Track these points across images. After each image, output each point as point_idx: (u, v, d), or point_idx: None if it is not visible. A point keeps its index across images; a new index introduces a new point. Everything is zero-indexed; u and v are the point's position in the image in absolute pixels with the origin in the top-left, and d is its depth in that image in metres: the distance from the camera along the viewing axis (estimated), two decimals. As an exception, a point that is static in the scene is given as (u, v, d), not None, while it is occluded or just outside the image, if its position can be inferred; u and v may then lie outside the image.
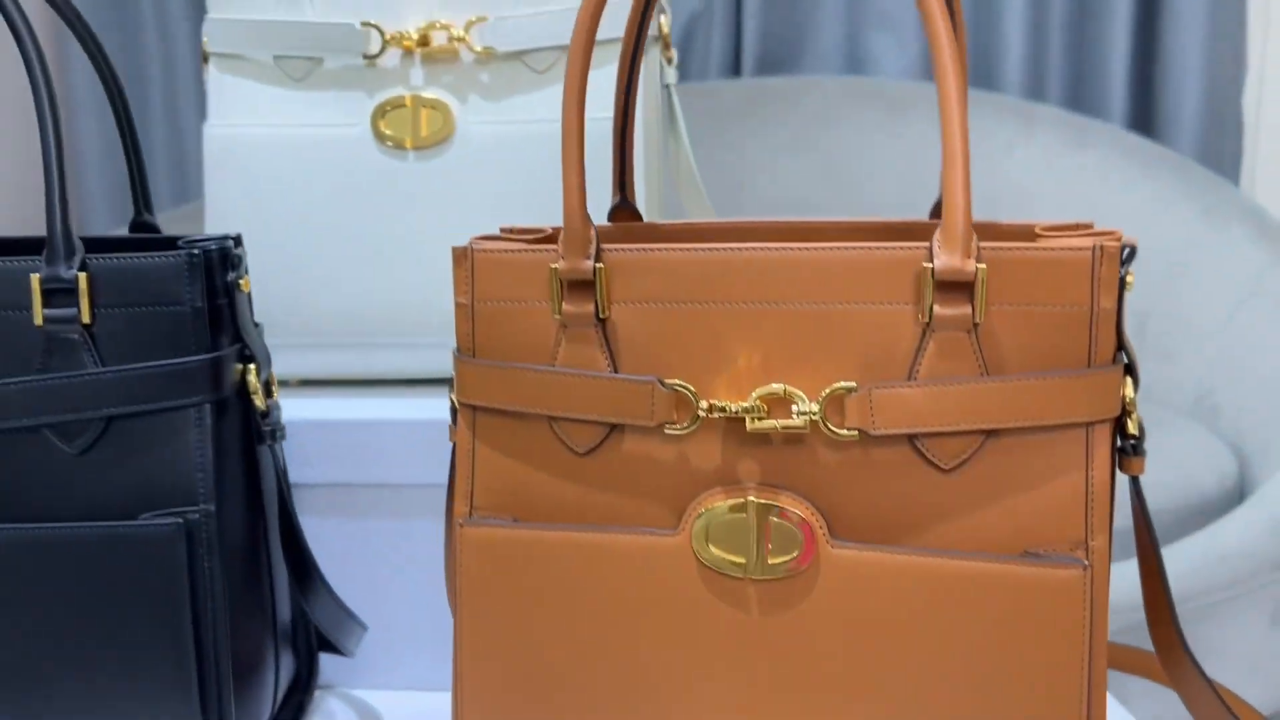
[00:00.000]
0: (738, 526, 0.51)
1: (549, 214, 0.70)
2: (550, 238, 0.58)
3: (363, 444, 0.72)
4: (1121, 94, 1.86)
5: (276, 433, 0.61)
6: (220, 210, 0.76)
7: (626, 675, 0.52)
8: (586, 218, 0.52)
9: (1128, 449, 0.50)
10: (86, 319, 0.57)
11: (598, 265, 0.52)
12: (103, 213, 2.15)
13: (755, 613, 0.51)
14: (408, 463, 0.72)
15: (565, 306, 0.52)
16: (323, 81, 0.76)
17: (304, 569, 0.63)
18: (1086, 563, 0.48)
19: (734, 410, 0.50)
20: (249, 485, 0.61)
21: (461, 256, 0.55)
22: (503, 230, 0.60)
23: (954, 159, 0.48)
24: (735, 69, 2.00)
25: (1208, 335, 1.54)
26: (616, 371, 0.52)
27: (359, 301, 0.75)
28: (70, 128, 2.12)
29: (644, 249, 0.52)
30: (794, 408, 0.50)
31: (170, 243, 0.60)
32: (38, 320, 0.56)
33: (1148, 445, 0.51)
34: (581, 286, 0.52)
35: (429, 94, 0.74)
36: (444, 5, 0.74)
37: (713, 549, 0.51)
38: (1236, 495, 1.36)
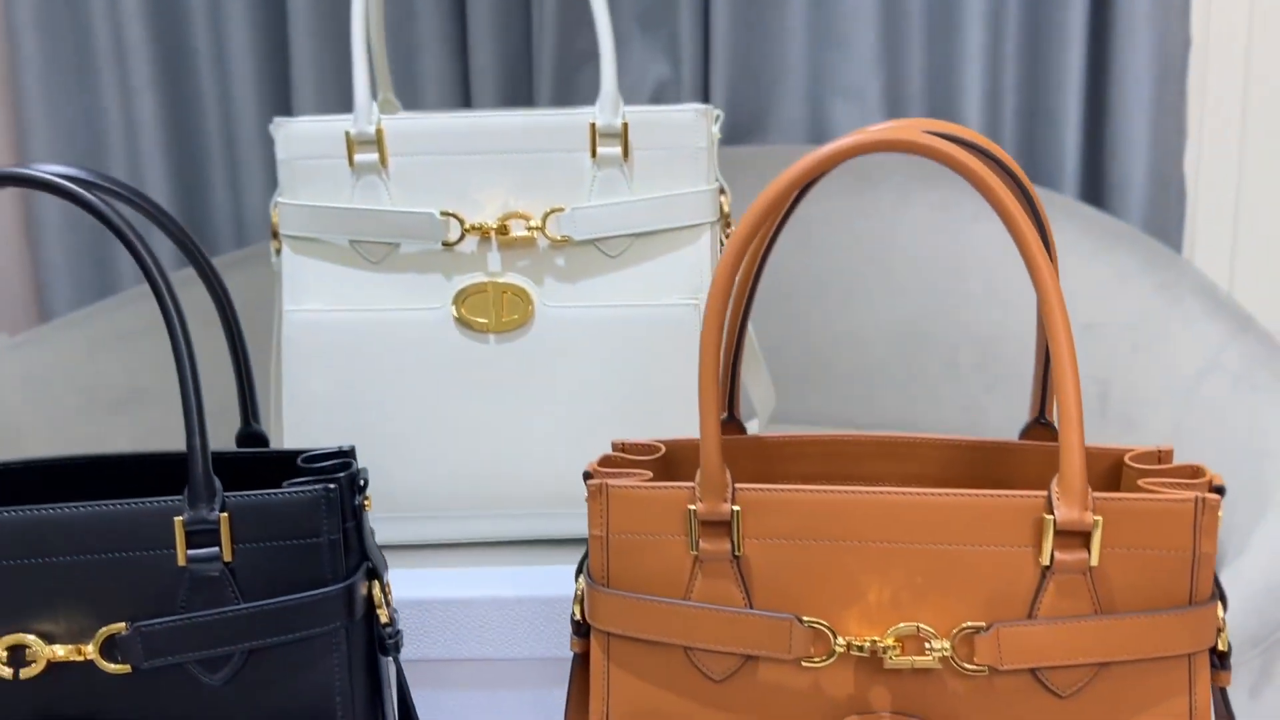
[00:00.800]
0: (876, 753, 0.55)
1: (624, 393, 0.74)
2: (665, 458, 0.61)
3: (456, 621, 0.74)
4: (1074, 165, 1.96)
5: (399, 643, 0.64)
6: (300, 391, 0.77)
7: None
8: (723, 464, 0.56)
9: (1219, 666, 0.56)
10: (228, 557, 0.59)
11: (735, 508, 0.56)
12: (65, 287, 2.12)
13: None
14: (497, 639, 0.74)
15: (702, 544, 0.56)
16: (400, 265, 0.78)
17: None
18: (1196, 781, 0.53)
19: (870, 647, 0.54)
20: (374, 695, 0.63)
21: (597, 491, 0.58)
22: (615, 445, 0.63)
23: (1070, 423, 0.52)
24: (704, 139, 2.04)
25: (1169, 406, 1.63)
26: (751, 606, 0.56)
27: (441, 477, 0.78)
28: (33, 198, 2.08)
29: (777, 489, 0.56)
30: (926, 645, 0.54)
31: (288, 458, 0.63)
32: (180, 561, 0.58)
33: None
34: (718, 525, 0.56)
35: (507, 279, 0.77)
36: (518, 194, 0.77)
37: (852, 776, 0.55)
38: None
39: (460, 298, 0.77)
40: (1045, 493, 0.53)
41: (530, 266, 0.78)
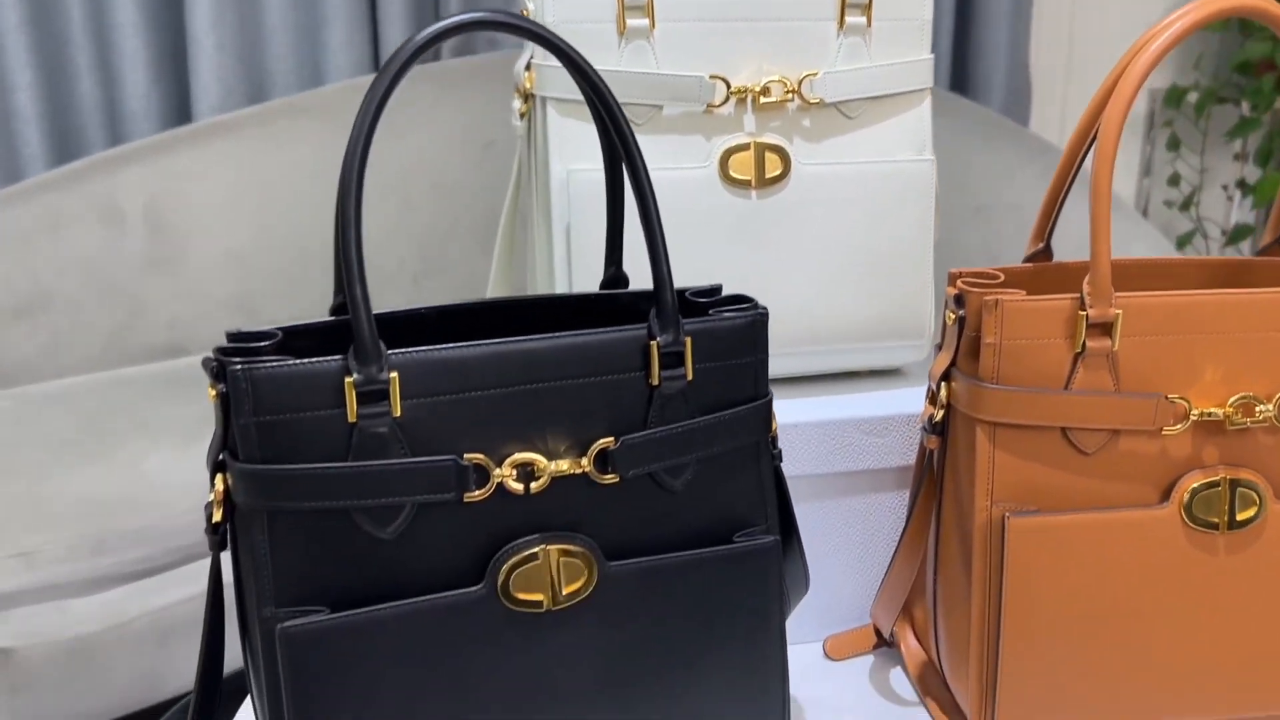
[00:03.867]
0: (1213, 498, 0.70)
1: (867, 239, 0.85)
2: (1006, 283, 0.73)
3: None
4: (945, 62, 2.18)
5: (779, 455, 0.72)
6: (586, 242, 0.82)
7: (1133, 611, 0.70)
8: (1110, 279, 0.68)
9: None
10: (690, 376, 0.65)
11: (1117, 312, 0.68)
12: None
13: (1224, 554, 0.70)
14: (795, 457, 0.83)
15: (1089, 343, 0.68)
16: (662, 126, 0.84)
17: (793, 540, 0.74)
18: None
19: (1215, 415, 0.69)
20: (777, 499, 0.71)
21: (992, 305, 0.69)
22: (952, 274, 0.74)
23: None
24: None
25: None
26: (1120, 389, 0.69)
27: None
28: None
29: (1144, 295, 0.69)
30: (1258, 408, 0.69)
31: (681, 297, 0.69)
32: (654, 380, 0.64)
33: None
34: (1101, 328, 0.68)
35: (766, 139, 0.84)
36: (771, 60, 0.84)
37: (1199, 514, 0.70)
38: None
39: (726, 157, 0.84)
40: (1332, 286, 0.69)
41: (782, 127, 0.85)
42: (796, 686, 0.83)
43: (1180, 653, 0.71)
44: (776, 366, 0.87)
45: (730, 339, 0.66)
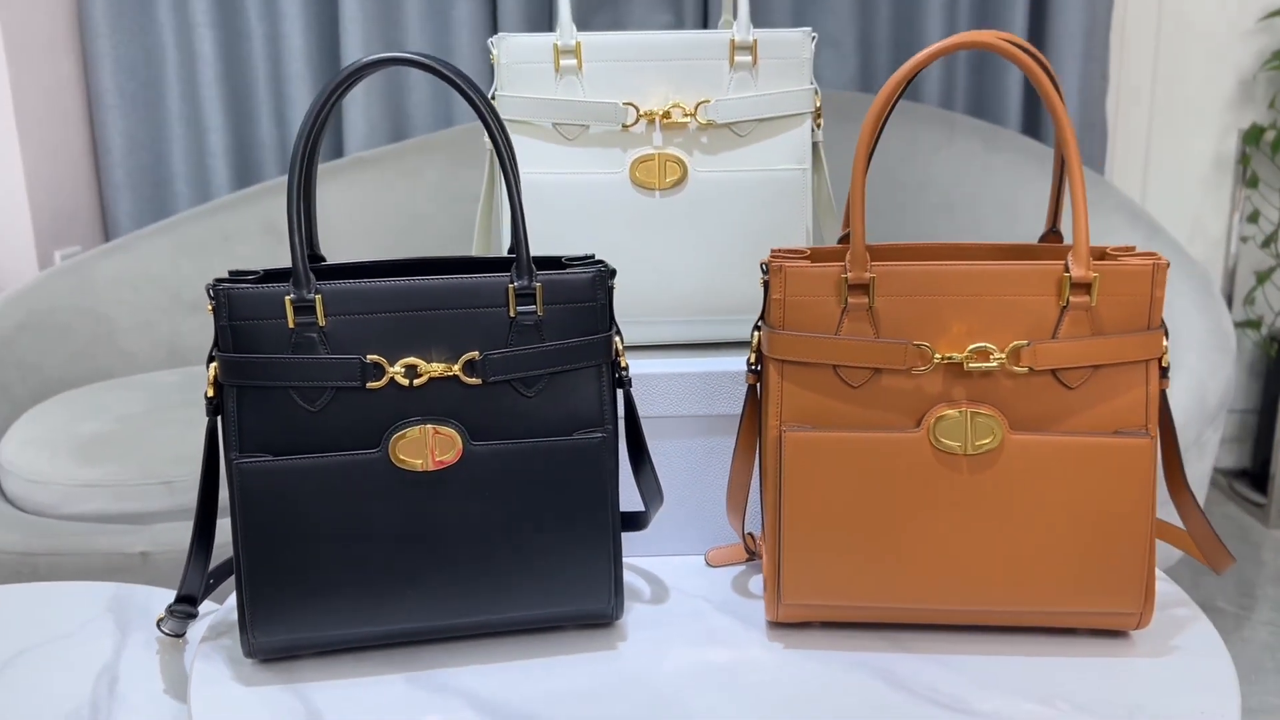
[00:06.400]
0: (957, 425, 0.89)
1: (750, 232, 1.06)
2: (816, 256, 0.94)
3: (661, 389, 1.06)
4: (1017, 104, 2.32)
5: (628, 380, 0.95)
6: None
7: (889, 516, 0.90)
8: (865, 249, 0.88)
9: (1163, 374, 0.91)
10: (540, 312, 0.90)
11: (872, 276, 0.88)
12: (127, 203, 2.35)
13: (966, 473, 0.89)
14: (682, 402, 1.06)
15: (850, 299, 0.89)
16: (588, 141, 1.09)
17: (643, 455, 0.98)
18: (1149, 434, 0.88)
19: (955, 359, 0.88)
20: (616, 413, 0.95)
21: (778, 269, 0.90)
22: (773, 251, 0.95)
23: (1080, 219, 0.86)
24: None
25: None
26: (879, 337, 0.89)
27: (619, 296, 1.09)
28: (101, 128, 2.31)
29: (898, 265, 0.89)
30: (991, 355, 0.88)
31: (558, 262, 0.94)
32: (511, 313, 0.89)
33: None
34: (860, 288, 0.89)
35: (668, 151, 1.09)
36: (678, 89, 1.09)
37: (941, 439, 0.89)
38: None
39: (635, 165, 1.08)
40: (1064, 261, 0.87)
41: (684, 143, 1.09)
42: (682, 581, 1.06)
43: (928, 551, 0.90)
44: (674, 333, 1.11)
45: (577, 287, 0.91)
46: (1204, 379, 1.73)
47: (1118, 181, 2.45)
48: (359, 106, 2.33)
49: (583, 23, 2.26)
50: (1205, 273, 1.88)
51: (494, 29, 2.31)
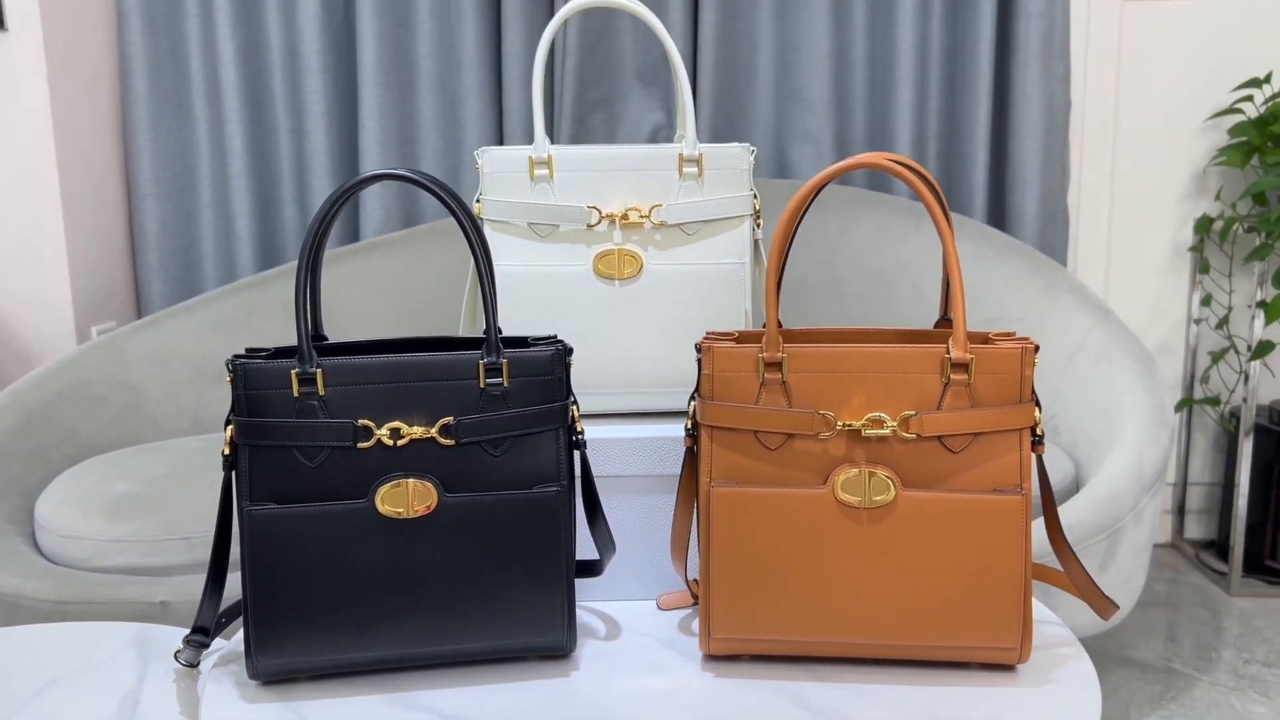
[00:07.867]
0: (857, 482, 1.04)
1: (696, 315, 1.23)
2: (742, 339, 1.10)
3: (617, 452, 1.22)
4: (981, 197, 2.50)
5: (584, 443, 1.12)
6: (505, 316, 1.25)
7: (801, 561, 1.05)
8: (779, 332, 1.05)
9: (1037, 441, 1.06)
10: (506, 384, 1.06)
11: (783, 355, 1.05)
12: (159, 283, 2.56)
13: (866, 525, 1.04)
14: (636, 463, 1.22)
15: (766, 375, 1.05)
16: (558, 238, 1.27)
17: (596, 509, 1.13)
18: (1023, 492, 1.04)
19: (854, 426, 1.04)
20: (572, 471, 1.11)
21: (708, 349, 1.07)
22: (708, 334, 1.12)
23: (959, 314, 1.03)
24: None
25: (1052, 375, 2.16)
26: (791, 407, 1.05)
27: (583, 371, 1.26)
28: (137, 211, 2.53)
29: (805, 346, 1.05)
30: (885, 424, 1.04)
31: (525, 341, 1.11)
32: (481, 385, 1.06)
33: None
34: (774, 365, 1.05)
35: (626, 247, 1.26)
36: (635, 195, 1.26)
37: (843, 494, 1.04)
38: (1074, 487, 1.97)
39: (598, 258, 1.26)
40: (946, 345, 1.04)
41: (640, 240, 1.27)
42: (633, 622, 1.21)
43: (835, 592, 1.05)
44: (629, 403, 1.27)
45: (538, 362, 1.08)
46: (1142, 450, 1.87)
47: (1081, 269, 2.62)
48: (375, 195, 2.53)
49: (581, 122, 2.47)
50: (1148, 353, 2.04)
51: (500, 126, 2.52)
